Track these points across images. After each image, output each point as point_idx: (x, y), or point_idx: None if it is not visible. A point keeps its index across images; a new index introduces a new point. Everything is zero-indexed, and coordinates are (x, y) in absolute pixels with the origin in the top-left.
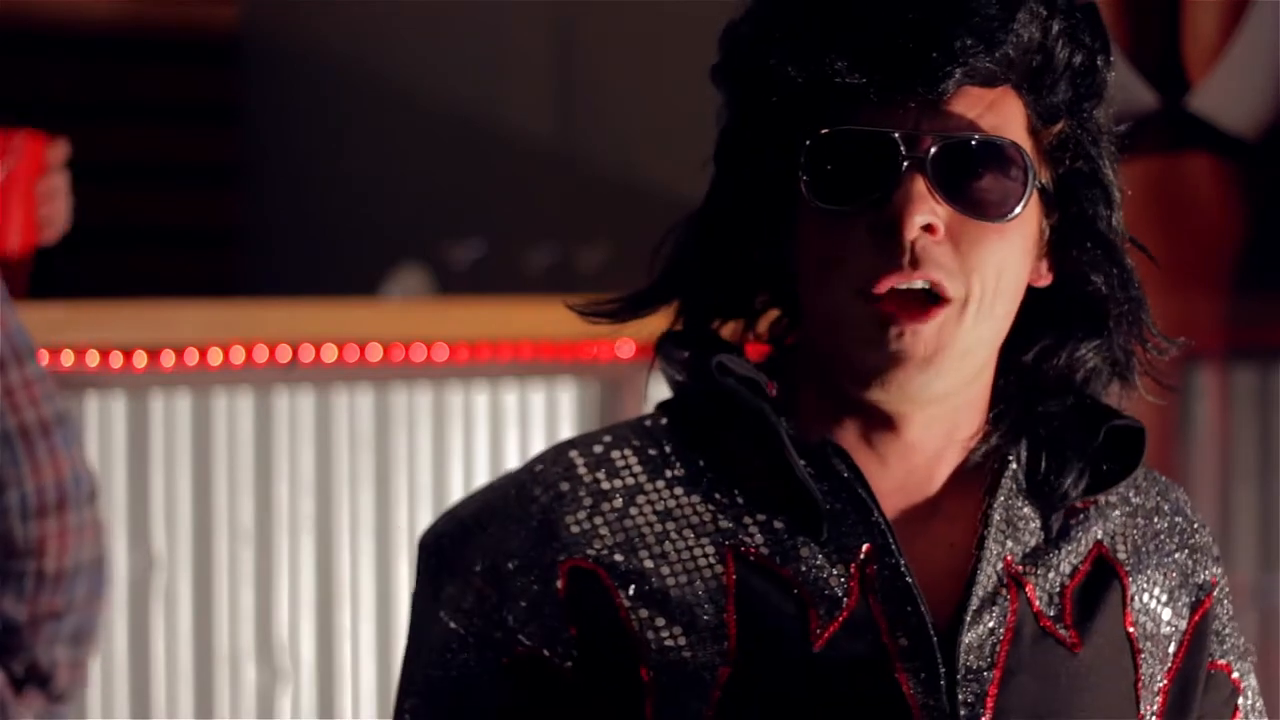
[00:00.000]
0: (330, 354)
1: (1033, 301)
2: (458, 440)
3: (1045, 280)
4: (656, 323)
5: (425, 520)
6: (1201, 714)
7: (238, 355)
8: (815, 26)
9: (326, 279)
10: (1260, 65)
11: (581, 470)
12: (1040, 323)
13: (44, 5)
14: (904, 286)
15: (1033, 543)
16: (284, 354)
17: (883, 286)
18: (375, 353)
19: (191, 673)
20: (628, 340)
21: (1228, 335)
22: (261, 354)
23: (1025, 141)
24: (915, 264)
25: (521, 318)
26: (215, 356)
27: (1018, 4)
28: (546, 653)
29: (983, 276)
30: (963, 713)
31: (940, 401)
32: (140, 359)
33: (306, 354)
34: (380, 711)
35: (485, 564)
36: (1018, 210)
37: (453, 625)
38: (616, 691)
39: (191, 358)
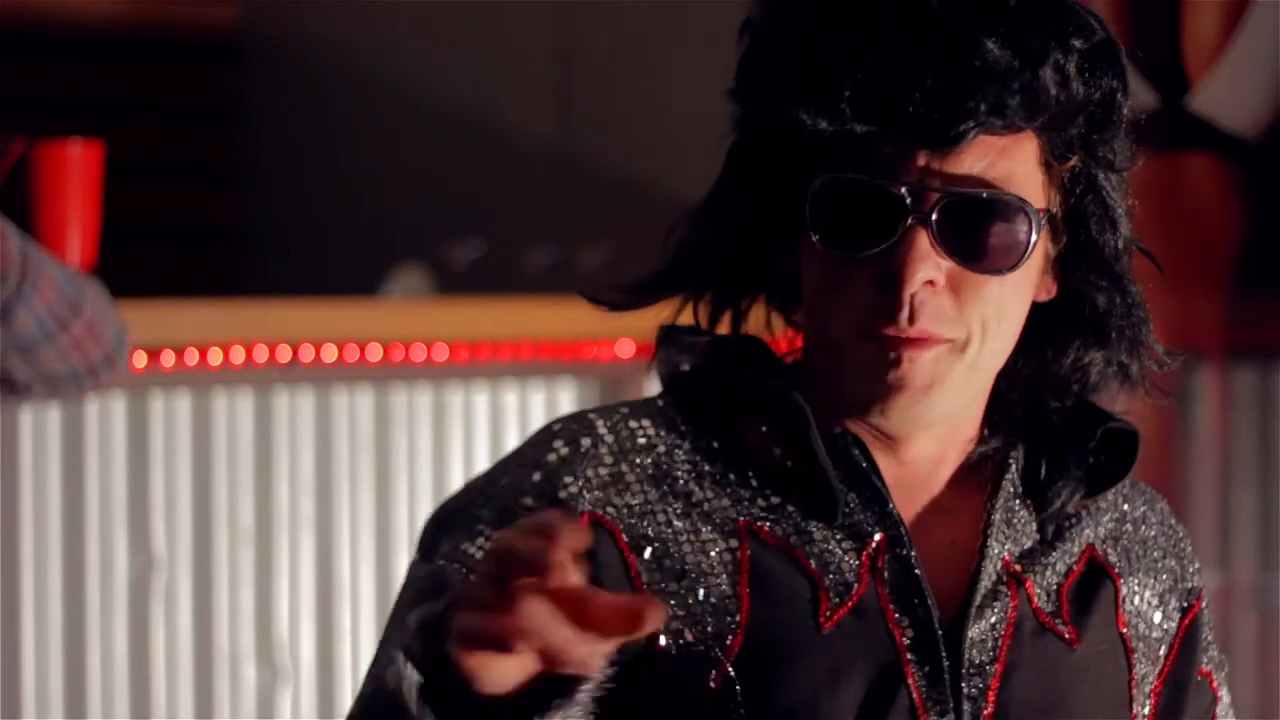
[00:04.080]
0: (330, 354)
1: (1036, 312)
2: (458, 440)
3: (1049, 295)
4: (656, 322)
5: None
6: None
7: (238, 355)
8: (832, 73)
9: (326, 279)
10: (1260, 65)
11: (603, 430)
12: (1043, 332)
13: (43, 5)
14: (901, 337)
15: (1029, 543)
16: (284, 354)
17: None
18: (375, 353)
19: (191, 673)
20: (628, 340)
21: (1228, 335)
22: (261, 354)
23: (1037, 177)
24: (912, 319)
25: (521, 318)
26: (215, 356)
27: (1041, 58)
28: None
29: (983, 320)
30: (966, 707)
31: (942, 423)
32: (140, 359)
33: (306, 354)
34: None
35: (494, 510)
36: (1021, 264)
37: (449, 567)
38: (620, 653)
39: (191, 358)
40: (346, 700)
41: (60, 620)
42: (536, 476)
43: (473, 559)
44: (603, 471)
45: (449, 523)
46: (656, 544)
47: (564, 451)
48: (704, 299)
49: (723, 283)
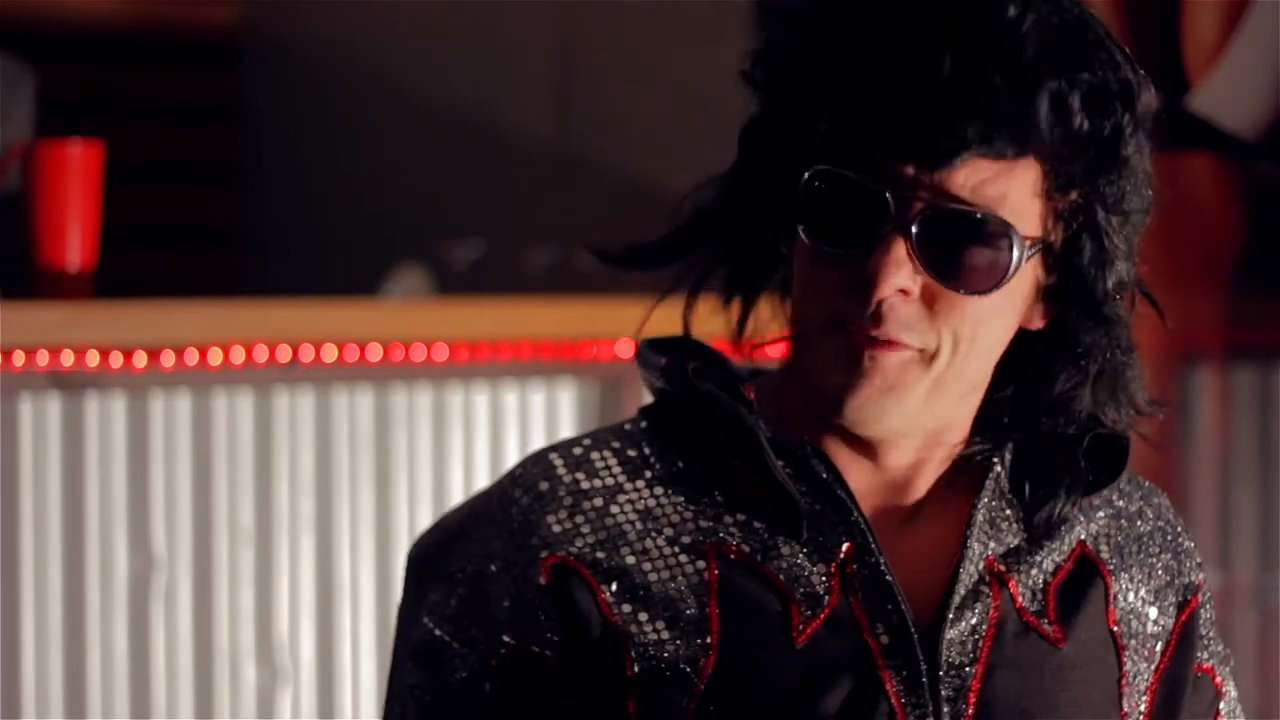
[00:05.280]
0: (330, 354)
1: (1028, 340)
2: (458, 440)
3: (1039, 324)
4: (656, 323)
5: (425, 520)
6: (1187, 716)
7: (238, 355)
8: (840, 77)
9: (326, 279)
10: (1260, 65)
11: (561, 471)
12: (1033, 360)
13: (43, 5)
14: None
15: (1014, 542)
16: (284, 354)
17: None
18: (375, 353)
19: (191, 673)
20: (628, 340)
21: (1228, 335)
22: (261, 354)
23: (1035, 204)
24: (879, 322)
25: (521, 318)
26: (215, 356)
27: (1037, 87)
28: (533, 648)
29: (954, 335)
30: (945, 709)
31: (909, 434)
32: (140, 359)
33: (306, 354)
34: (380, 712)
35: (469, 569)
36: (996, 289)
37: (438, 632)
38: (601, 685)
39: (191, 358)
40: (347, 700)
41: (60, 620)
42: (497, 544)
43: (454, 620)
44: (562, 514)
45: (430, 565)
46: (622, 575)
47: (524, 501)
48: (700, 294)
49: (730, 251)
